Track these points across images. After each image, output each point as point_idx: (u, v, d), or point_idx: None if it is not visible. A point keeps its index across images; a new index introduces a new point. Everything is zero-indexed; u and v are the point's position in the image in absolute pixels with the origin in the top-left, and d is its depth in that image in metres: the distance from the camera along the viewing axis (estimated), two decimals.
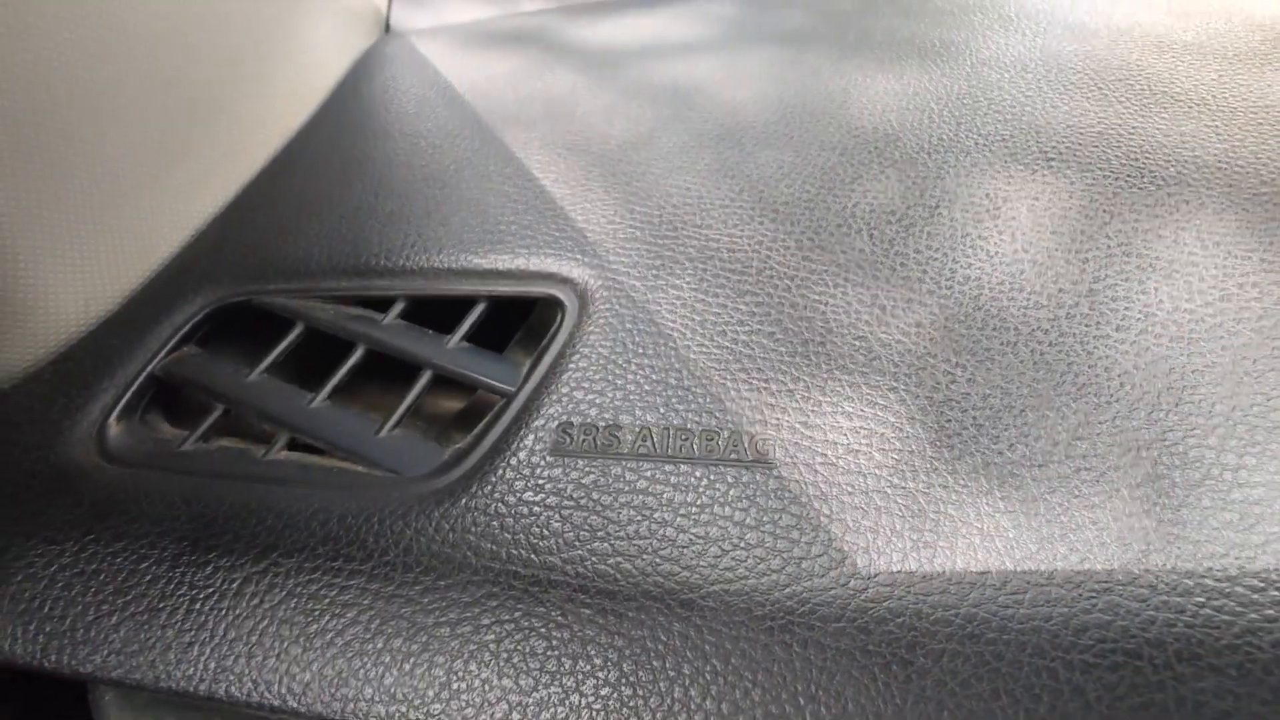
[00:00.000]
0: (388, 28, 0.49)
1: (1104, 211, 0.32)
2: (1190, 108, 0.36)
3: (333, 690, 0.24)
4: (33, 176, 0.30)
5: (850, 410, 0.27)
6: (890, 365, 0.28)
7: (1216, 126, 0.35)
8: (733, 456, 0.26)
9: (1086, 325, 0.28)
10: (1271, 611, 0.21)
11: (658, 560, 0.24)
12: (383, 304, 0.34)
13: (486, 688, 0.23)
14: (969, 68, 0.41)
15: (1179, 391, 0.26)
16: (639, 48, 0.47)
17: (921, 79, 0.41)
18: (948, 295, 0.30)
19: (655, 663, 0.23)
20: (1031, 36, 0.42)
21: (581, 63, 0.46)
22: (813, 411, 0.27)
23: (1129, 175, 0.34)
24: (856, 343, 0.29)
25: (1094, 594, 0.22)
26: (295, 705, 0.24)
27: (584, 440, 0.28)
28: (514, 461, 0.27)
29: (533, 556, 0.25)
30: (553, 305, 0.32)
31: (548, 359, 0.30)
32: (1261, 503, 0.23)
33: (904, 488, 0.25)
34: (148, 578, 0.27)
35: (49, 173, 0.31)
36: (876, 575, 0.23)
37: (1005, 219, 0.33)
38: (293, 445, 0.31)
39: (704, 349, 0.29)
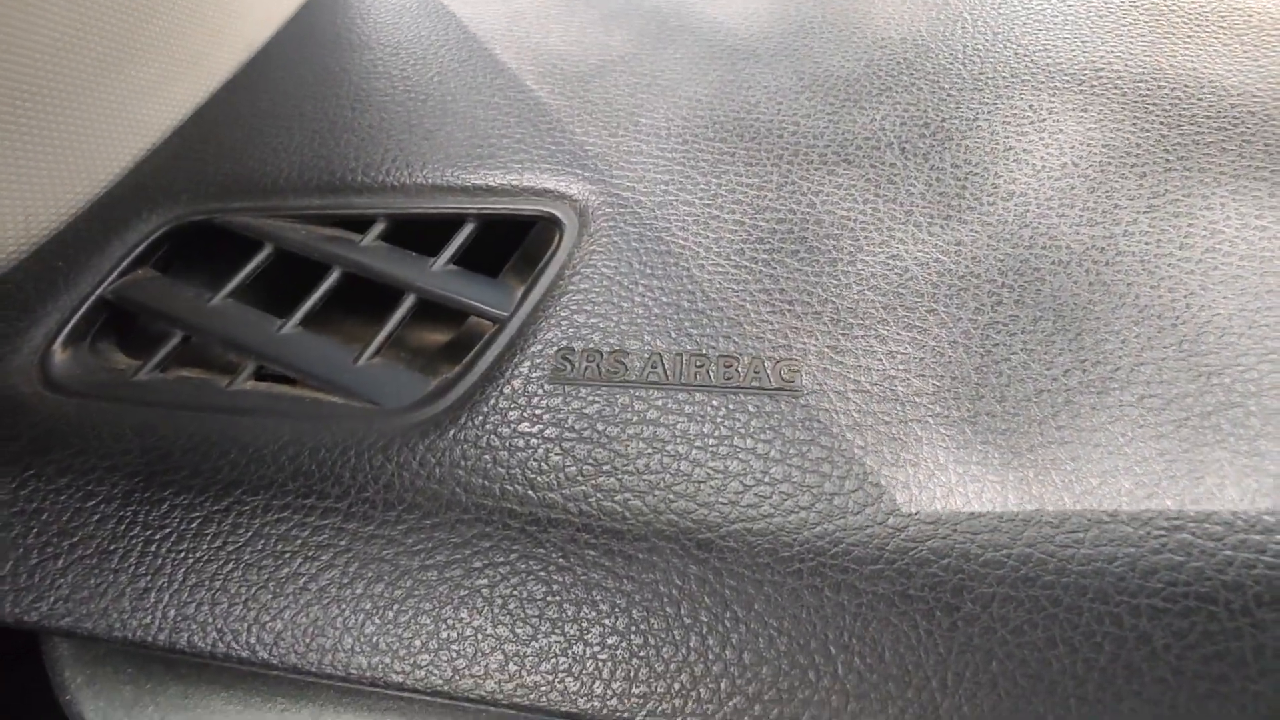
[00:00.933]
0: None
1: (1161, 124, 0.29)
2: (1250, 32, 0.33)
3: (308, 640, 0.21)
4: None
5: (885, 334, 0.24)
6: (928, 286, 0.25)
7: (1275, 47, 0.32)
8: (754, 384, 0.23)
9: (1146, 243, 0.26)
10: None
11: (671, 497, 0.21)
12: (361, 224, 0.31)
13: (479, 637, 0.21)
14: None
15: (1253, 314, 0.23)
16: None
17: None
18: (990, 211, 0.27)
19: (669, 609, 0.20)
20: None
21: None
22: (843, 335, 0.24)
23: (1187, 87, 0.30)
24: (890, 261, 0.26)
25: (1163, 532, 0.20)
26: (266, 656, 0.21)
27: (586, 367, 0.25)
28: (508, 390, 0.24)
29: (530, 493, 0.22)
30: (550, 224, 0.29)
31: (544, 281, 0.27)
32: None
33: (947, 416, 0.22)
34: (96, 517, 0.24)
35: None
36: (918, 513, 0.21)
37: (1051, 131, 0.30)
38: (260, 376, 0.28)
39: (720, 269, 0.26)
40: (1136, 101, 0.30)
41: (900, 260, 0.26)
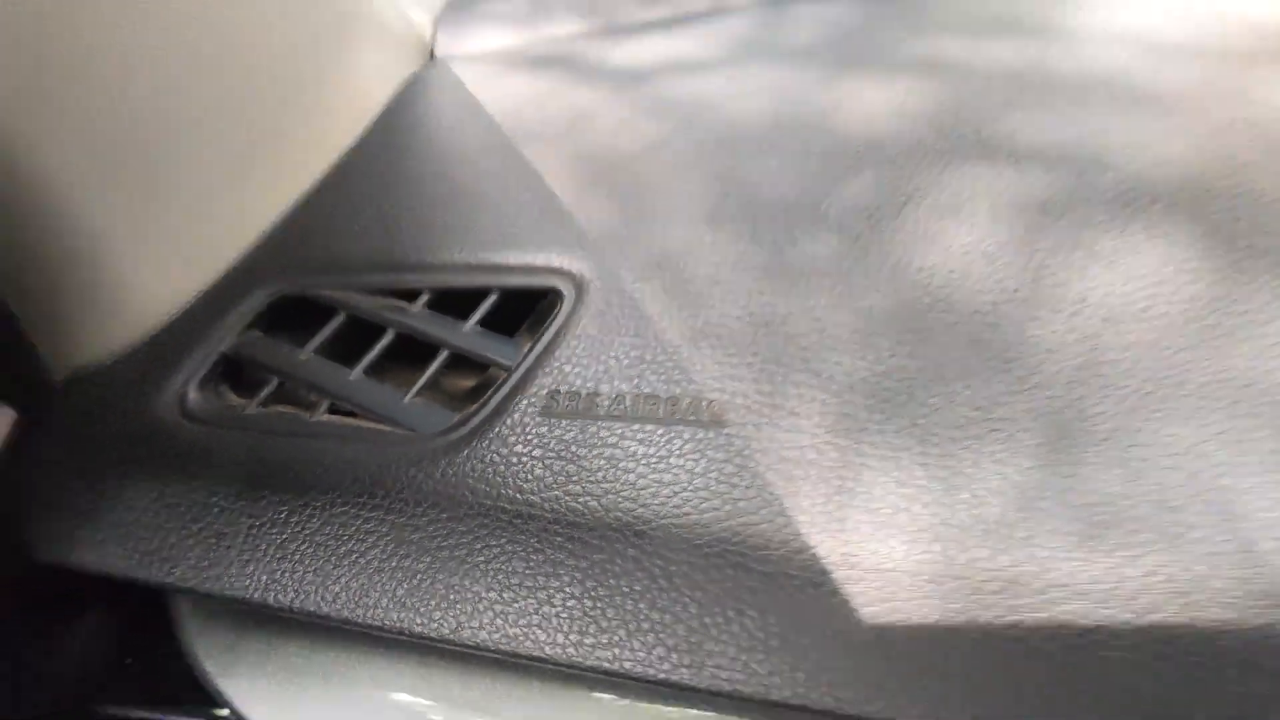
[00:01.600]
0: (432, 55, 0.56)
1: (1060, 206, 0.35)
2: (1165, 108, 0.38)
3: (357, 599, 0.29)
4: (129, 193, 0.37)
5: (797, 379, 0.31)
6: (838, 342, 0.32)
7: (1185, 125, 0.37)
8: (691, 418, 0.31)
9: (1024, 308, 0.32)
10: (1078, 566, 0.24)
11: (619, 499, 0.29)
12: (411, 295, 0.40)
13: (476, 599, 0.28)
14: (959, 77, 0.44)
15: (1096, 366, 0.29)
16: (658, 66, 0.52)
17: (912, 89, 0.44)
18: (901, 283, 0.34)
19: (612, 581, 0.27)
20: (1024, 43, 0.45)
21: (603, 82, 0.51)
22: (765, 380, 0.31)
23: (1092, 173, 0.36)
24: (812, 323, 0.33)
25: (1007, 540, 0.25)
26: (326, 610, 0.30)
27: (568, 405, 0.32)
28: (509, 421, 0.32)
29: (517, 495, 0.30)
30: (554, 295, 0.38)
31: (544, 339, 0.35)
32: (1148, 460, 0.26)
33: (834, 444, 0.29)
34: (215, 510, 0.33)
35: (142, 188, 0.38)
36: (800, 516, 0.27)
37: (966, 215, 0.36)
38: (333, 410, 0.37)
39: (678, 330, 0.34)
40: (1044, 188, 0.36)
41: (820, 323, 0.33)
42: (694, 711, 0.30)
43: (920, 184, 0.38)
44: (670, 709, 0.30)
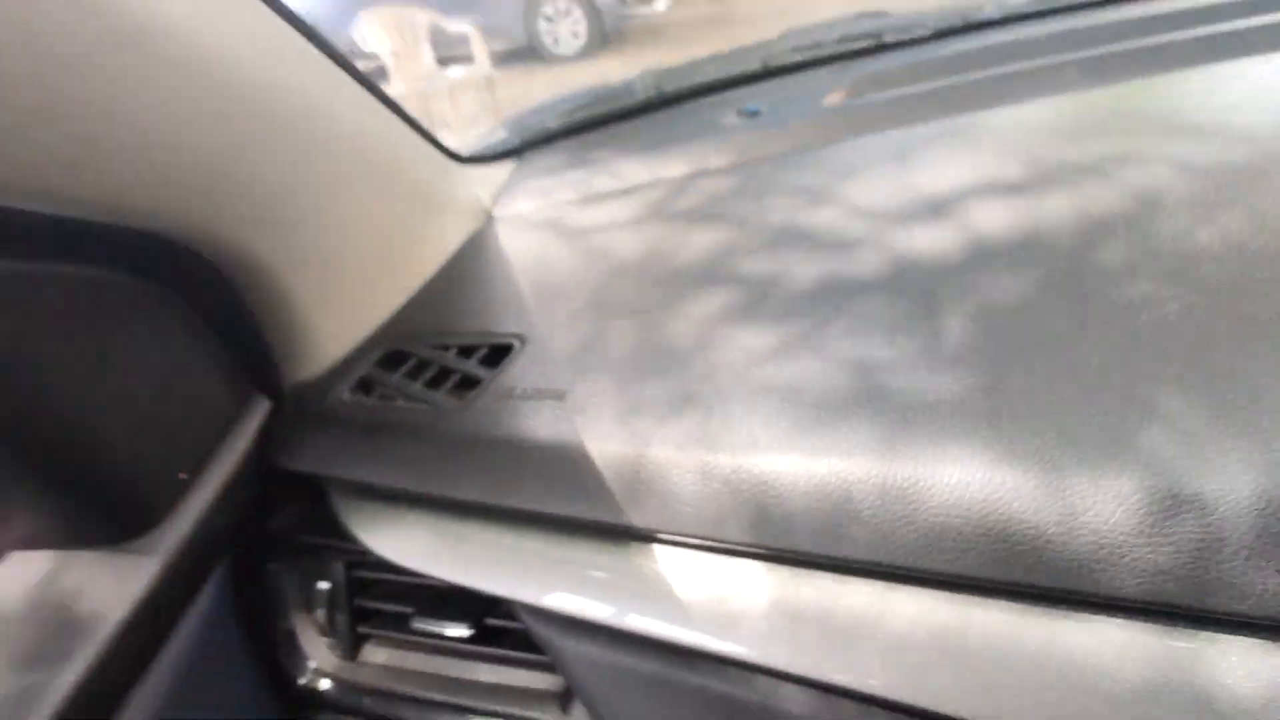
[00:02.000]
0: (490, 216, 0.68)
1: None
2: None
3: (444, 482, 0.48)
4: (325, 285, 0.55)
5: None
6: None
7: None
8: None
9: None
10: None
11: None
12: (472, 350, 0.59)
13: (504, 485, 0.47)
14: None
15: None
16: (685, 221, 0.56)
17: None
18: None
19: None
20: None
21: (620, 242, 0.59)
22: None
23: None
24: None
25: None
26: (462, 496, 0.47)
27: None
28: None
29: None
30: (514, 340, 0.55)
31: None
32: None
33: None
34: (363, 442, 0.50)
35: (330, 282, 0.56)
36: None
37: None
38: (407, 398, 0.56)
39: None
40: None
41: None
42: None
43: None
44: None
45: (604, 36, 5.66)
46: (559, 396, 0.40)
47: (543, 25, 5.60)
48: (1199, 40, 0.56)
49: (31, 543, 0.37)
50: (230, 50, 0.33)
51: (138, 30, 0.30)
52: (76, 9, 0.28)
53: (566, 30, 5.61)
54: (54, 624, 0.37)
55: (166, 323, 0.41)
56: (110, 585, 0.38)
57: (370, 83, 0.46)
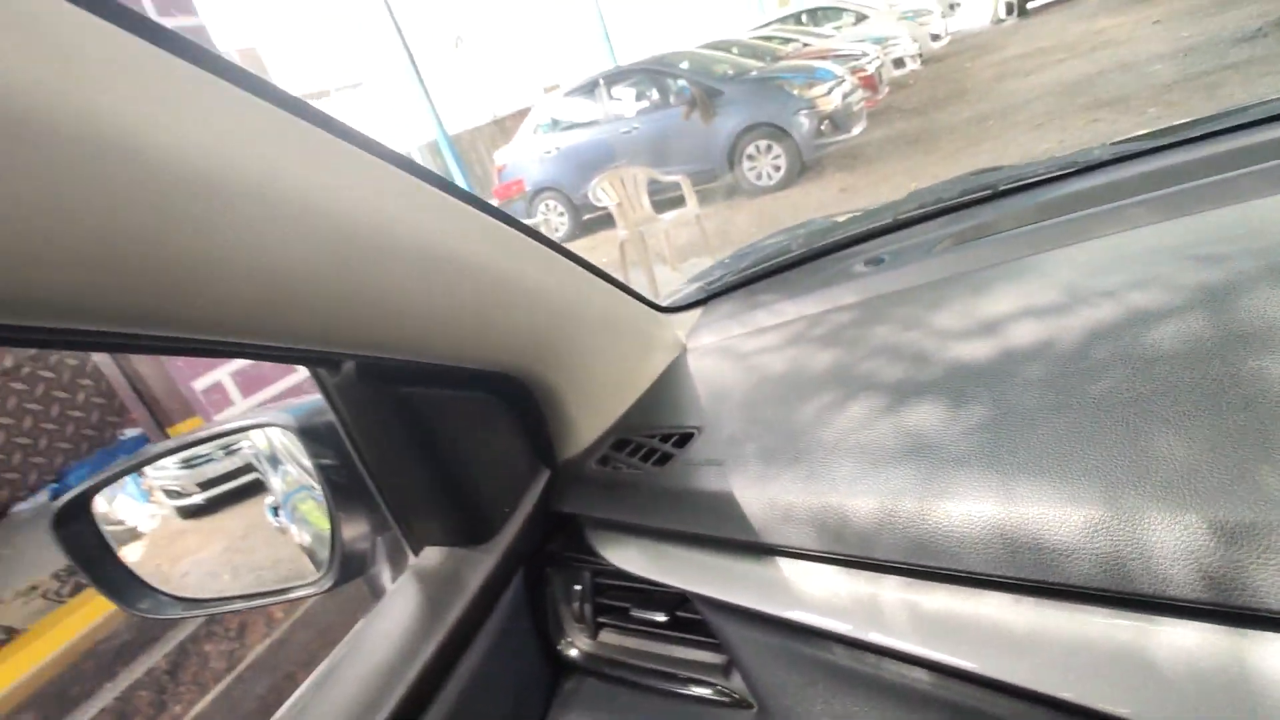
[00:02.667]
0: (685, 349, 0.88)
1: None
2: None
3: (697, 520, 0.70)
4: (585, 399, 0.85)
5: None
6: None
7: None
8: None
9: None
10: None
11: None
12: (667, 438, 0.83)
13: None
14: None
15: None
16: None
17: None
18: None
19: None
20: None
21: (769, 361, 0.71)
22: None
23: None
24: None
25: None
26: (710, 532, 0.71)
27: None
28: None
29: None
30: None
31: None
32: None
33: None
34: (617, 491, 0.74)
35: (588, 397, 0.86)
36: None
37: None
38: (633, 453, 0.80)
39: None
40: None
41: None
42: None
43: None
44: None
45: (802, 166, 6.11)
46: (720, 463, 0.61)
47: (746, 164, 6.23)
48: None
49: (438, 541, 0.67)
50: (521, 273, 0.58)
51: (499, 282, 0.60)
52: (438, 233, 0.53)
53: (767, 165, 6.16)
54: (441, 588, 0.65)
55: (499, 421, 0.70)
56: (467, 570, 0.65)
57: (605, 274, 0.75)
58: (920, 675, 0.45)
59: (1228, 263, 0.53)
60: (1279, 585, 0.32)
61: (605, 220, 4.90)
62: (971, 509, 0.43)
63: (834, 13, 10.31)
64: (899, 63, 8.53)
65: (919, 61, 9.17)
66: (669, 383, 0.78)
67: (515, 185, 6.40)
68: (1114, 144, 0.88)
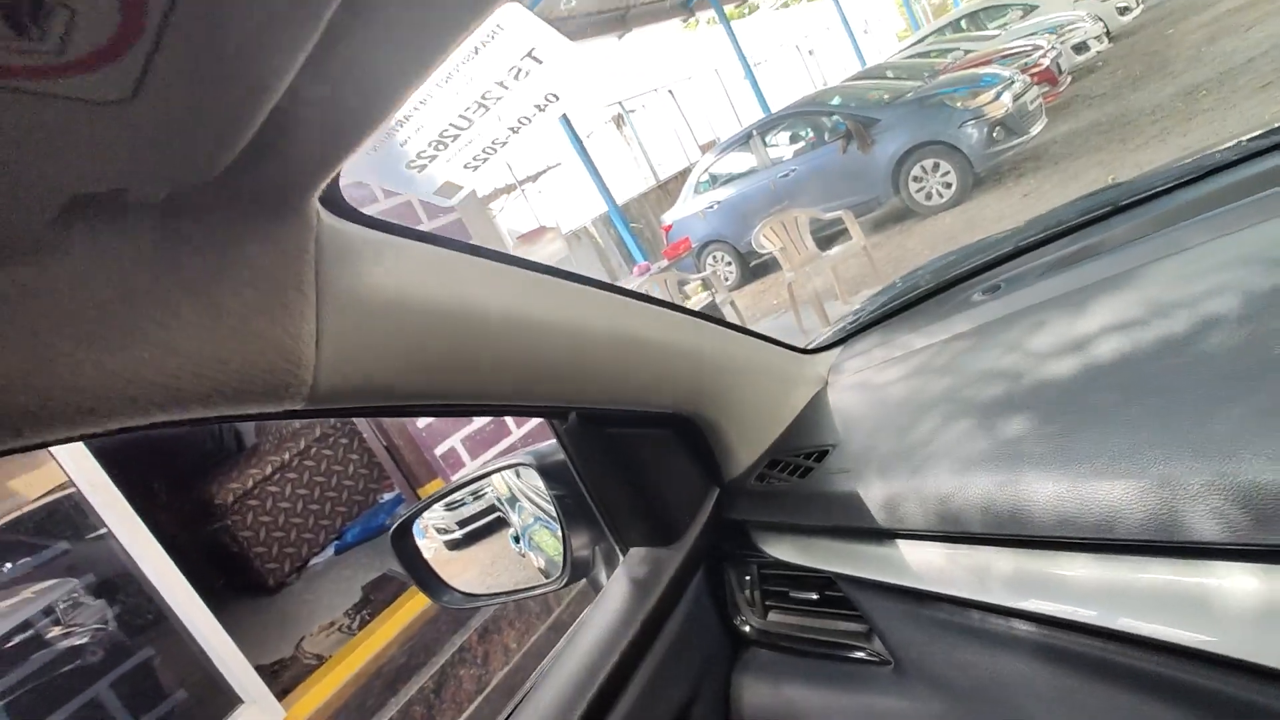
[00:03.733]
0: (825, 383, 1.02)
1: None
2: None
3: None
4: (741, 439, 1.04)
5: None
6: None
7: None
8: None
9: None
10: None
11: None
12: (809, 454, 0.97)
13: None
14: None
15: None
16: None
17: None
18: None
19: None
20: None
21: (893, 388, 0.80)
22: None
23: None
24: None
25: None
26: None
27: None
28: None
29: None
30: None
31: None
32: None
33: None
34: (779, 503, 0.93)
35: (744, 433, 1.05)
36: None
37: None
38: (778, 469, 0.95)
39: None
40: None
41: None
42: None
43: None
44: None
45: (975, 179, 5.80)
46: (848, 470, 0.75)
47: (912, 186, 6.06)
48: None
49: (639, 543, 0.88)
50: (678, 340, 0.77)
51: (663, 347, 0.81)
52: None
53: (936, 184, 5.93)
54: (644, 580, 0.85)
55: (679, 451, 0.90)
56: (662, 566, 0.85)
57: (746, 329, 0.92)
58: (1019, 624, 0.57)
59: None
60: None
61: (775, 262, 5.04)
62: (1035, 486, 0.54)
63: (998, 10, 9.72)
64: (1080, 48, 7.80)
65: (1106, 40, 8.31)
66: (811, 412, 0.93)
67: (683, 244, 6.79)
68: (1240, 142, 0.89)
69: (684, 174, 8.66)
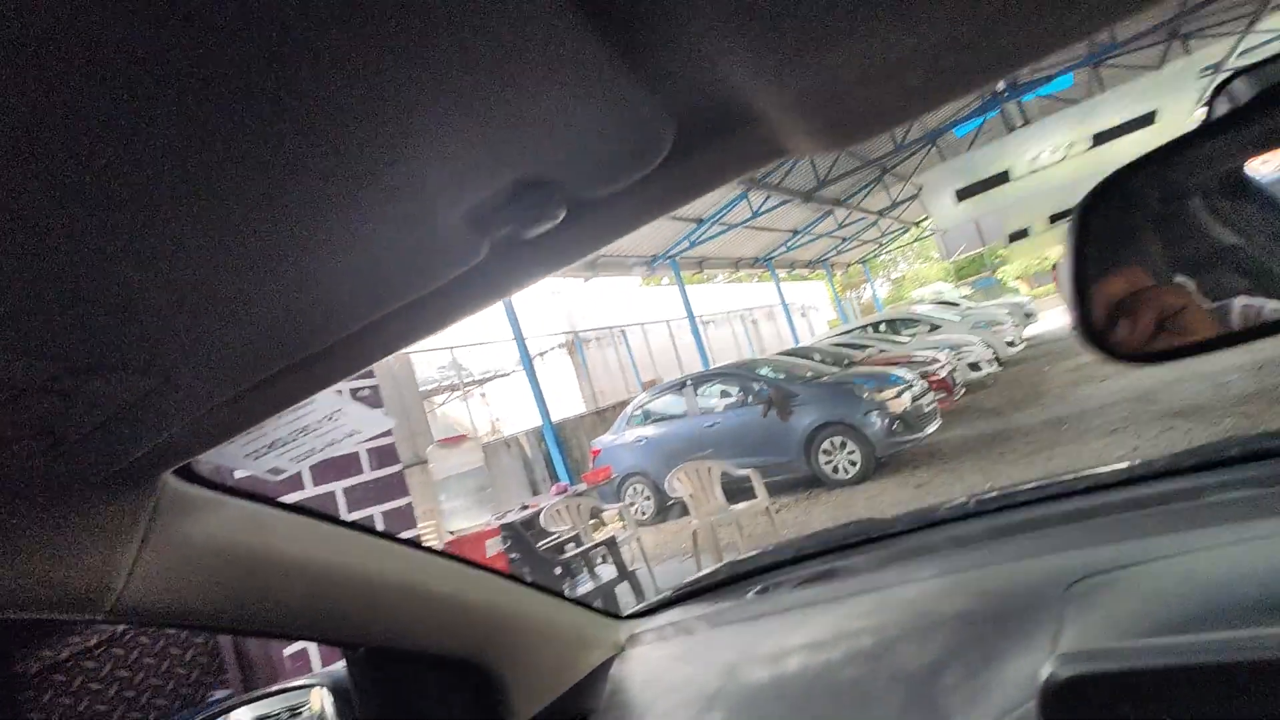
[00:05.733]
0: (622, 648, 1.16)
1: None
2: None
3: None
4: (523, 691, 1.10)
5: None
6: None
7: None
8: None
9: None
10: None
11: None
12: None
13: None
14: None
15: None
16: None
17: None
18: None
19: None
20: None
21: (681, 665, 1.11)
22: None
23: None
24: None
25: None
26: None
27: None
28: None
29: None
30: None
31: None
32: None
33: None
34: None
35: (530, 685, 1.11)
36: None
37: None
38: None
39: None
40: None
41: None
42: None
43: None
44: None
45: (877, 463, 6.33)
46: None
47: (822, 459, 6.54)
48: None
49: None
50: (474, 594, 0.90)
51: (455, 595, 0.93)
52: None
53: (843, 460, 6.44)
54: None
55: (461, 695, 0.96)
56: None
57: (554, 591, 1.04)
58: None
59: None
60: None
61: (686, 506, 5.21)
62: None
63: (910, 323, 11.33)
64: (974, 366, 9.03)
65: (996, 364, 9.66)
66: (593, 676, 1.02)
67: (603, 472, 6.97)
68: (977, 498, 1.13)
69: (622, 405, 9.15)
